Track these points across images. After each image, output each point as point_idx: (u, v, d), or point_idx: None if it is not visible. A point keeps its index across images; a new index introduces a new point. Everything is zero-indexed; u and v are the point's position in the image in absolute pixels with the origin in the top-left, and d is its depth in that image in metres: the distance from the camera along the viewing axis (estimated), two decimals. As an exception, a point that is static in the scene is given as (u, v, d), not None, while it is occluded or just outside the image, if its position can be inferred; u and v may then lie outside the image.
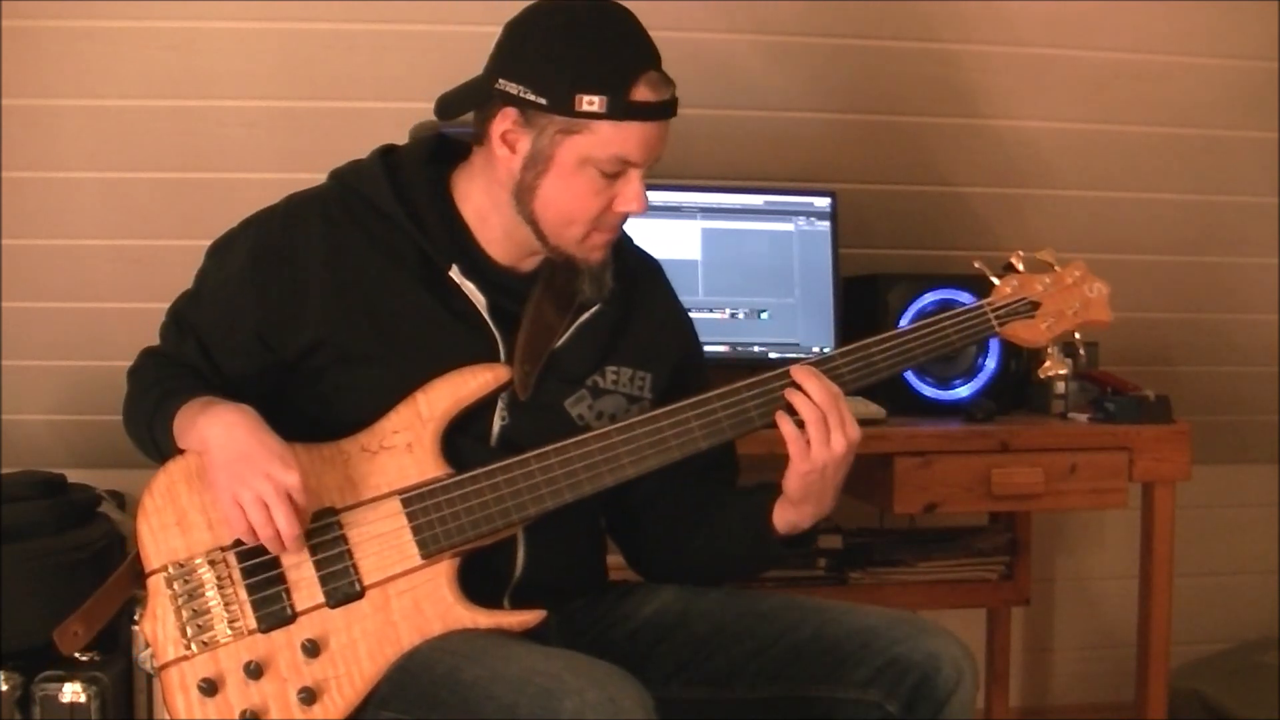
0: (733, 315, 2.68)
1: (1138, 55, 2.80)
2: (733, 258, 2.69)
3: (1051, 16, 2.73)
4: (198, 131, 2.62)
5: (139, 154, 2.63)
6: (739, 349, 2.66)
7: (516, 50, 1.64)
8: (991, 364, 2.65)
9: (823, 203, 2.73)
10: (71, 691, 2.42)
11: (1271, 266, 3.06)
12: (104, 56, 2.54)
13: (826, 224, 2.73)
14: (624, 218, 1.70)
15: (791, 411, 1.66)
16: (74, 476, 2.70)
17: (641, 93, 1.61)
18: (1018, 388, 2.74)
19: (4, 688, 2.41)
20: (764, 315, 2.69)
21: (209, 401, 1.63)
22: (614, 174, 1.64)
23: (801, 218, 2.72)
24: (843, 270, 2.73)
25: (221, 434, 1.59)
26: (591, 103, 1.59)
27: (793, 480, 1.67)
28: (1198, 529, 3.20)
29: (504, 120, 1.63)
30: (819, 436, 1.65)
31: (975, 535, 2.88)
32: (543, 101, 1.60)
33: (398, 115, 2.40)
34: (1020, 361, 2.71)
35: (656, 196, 2.64)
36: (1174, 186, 2.96)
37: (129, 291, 2.69)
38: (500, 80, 1.63)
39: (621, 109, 1.59)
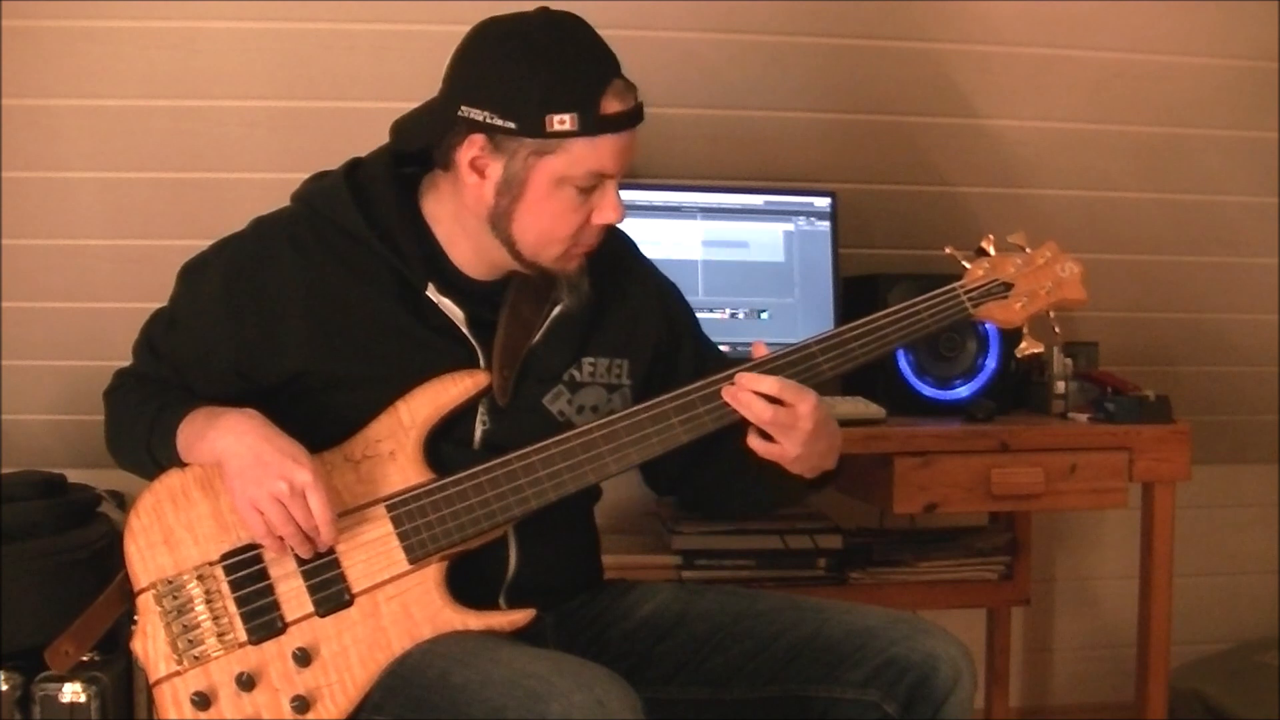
0: (733, 315, 2.68)
1: (1138, 55, 2.79)
2: (733, 258, 2.70)
3: (1051, 16, 2.72)
4: (198, 131, 2.62)
5: (139, 154, 2.62)
6: (739, 349, 2.66)
7: (477, 75, 1.62)
8: (991, 364, 2.65)
9: (823, 203, 2.73)
10: (71, 691, 2.42)
11: (1271, 266, 3.06)
12: (104, 56, 2.54)
13: (826, 224, 2.73)
14: (603, 230, 1.70)
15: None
16: (74, 476, 2.70)
17: (610, 105, 1.59)
18: (1018, 388, 2.74)
19: (4, 688, 2.41)
20: (764, 315, 2.69)
21: (214, 412, 1.63)
22: (590, 188, 1.63)
23: (801, 218, 2.72)
24: (843, 270, 2.73)
25: (233, 443, 1.59)
26: (563, 122, 1.57)
27: (789, 467, 1.67)
28: (1198, 529, 3.20)
29: (471, 147, 1.62)
30: (780, 435, 1.64)
31: (975, 535, 2.88)
32: (512, 125, 1.58)
33: (398, 115, 2.40)
34: (1020, 362, 2.70)
35: (657, 196, 2.66)
36: (1174, 186, 2.95)
37: (129, 291, 2.68)
38: (463, 107, 1.60)
39: (594, 124, 1.58)
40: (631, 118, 1.63)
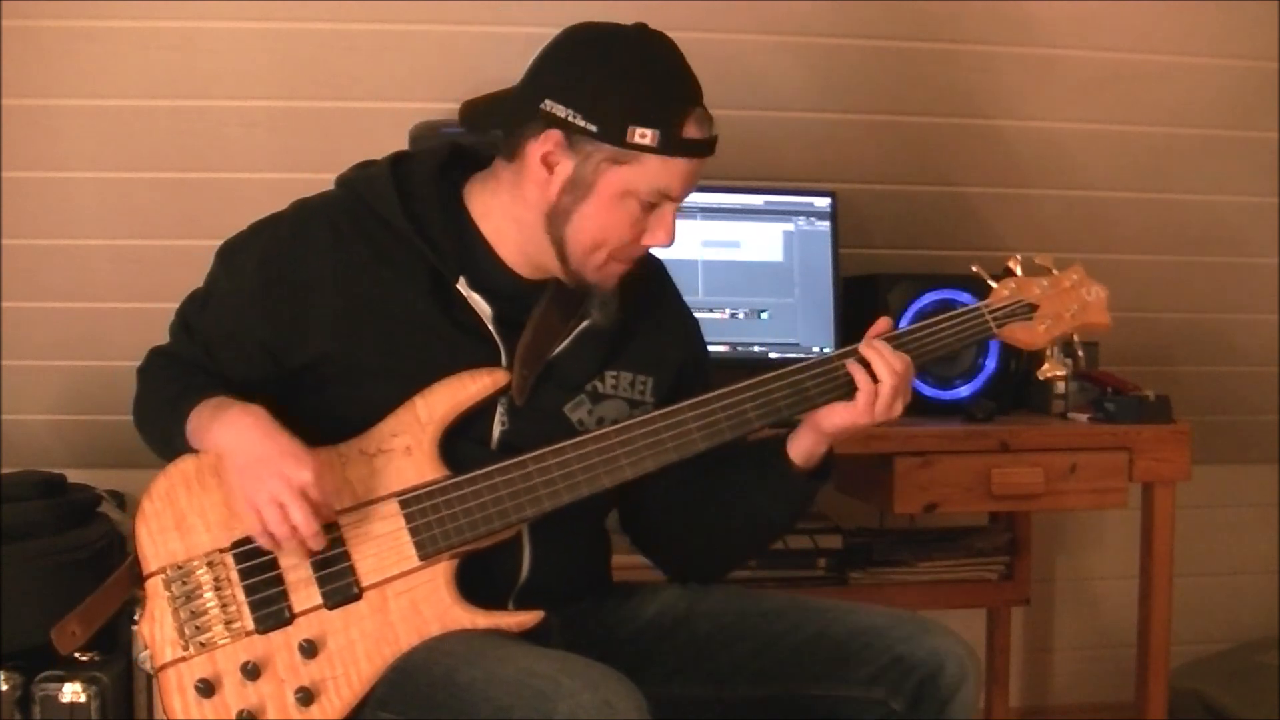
0: (733, 315, 2.68)
1: (1138, 55, 2.80)
2: (733, 258, 2.69)
3: (1052, 16, 2.73)
4: (198, 131, 2.62)
5: (139, 154, 2.62)
6: (739, 349, 2.66)
7: (566, 73, 1.63)
8: (991, 364, 2.65)
9: (823, 203, 2.73)
10: (71, 691, 2.43)
11: (1271, 266, 3.06)
12: (104, 56, 2.54)
13: (826, 224, 2.73)
14: (646, 250, 1.71)
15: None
16: (74, 476, 2.70)
17: (690, 130, 1.61)
18: (1018, 388, 2.74)
19: (4, 688, 2.41)
20: (764, 315, 2.69)
21: (220, 405, 1.63)
22: (650, 206, 1.64)
23: (801, 218, 2.72)
24: (843, 270, 2.73)
25: (234, 438, 1.59)
26: (644, 136, 1.58)
27: (840, 422, 1.69)
28: (1198, 529, 3.20)
29: (546, 142, 1.62)
30: (888, 398, 1.67)
31: (975, 535, 2.88)
32: (593, 129, 1.59)
33: (398, 115, 2.40)
34: (1020, 361, 2.71)
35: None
36: (1174, 186, 2.96)
37: (129, 291, 2.69)
38: (547, 101, 1.61)
39: (672, 145, 1.60)
40: (707, 147, 1.64)
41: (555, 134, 1.62)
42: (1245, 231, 3.03)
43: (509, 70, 1.71)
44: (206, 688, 1.58)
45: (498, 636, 1.61)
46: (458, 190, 1.75)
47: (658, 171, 1.61)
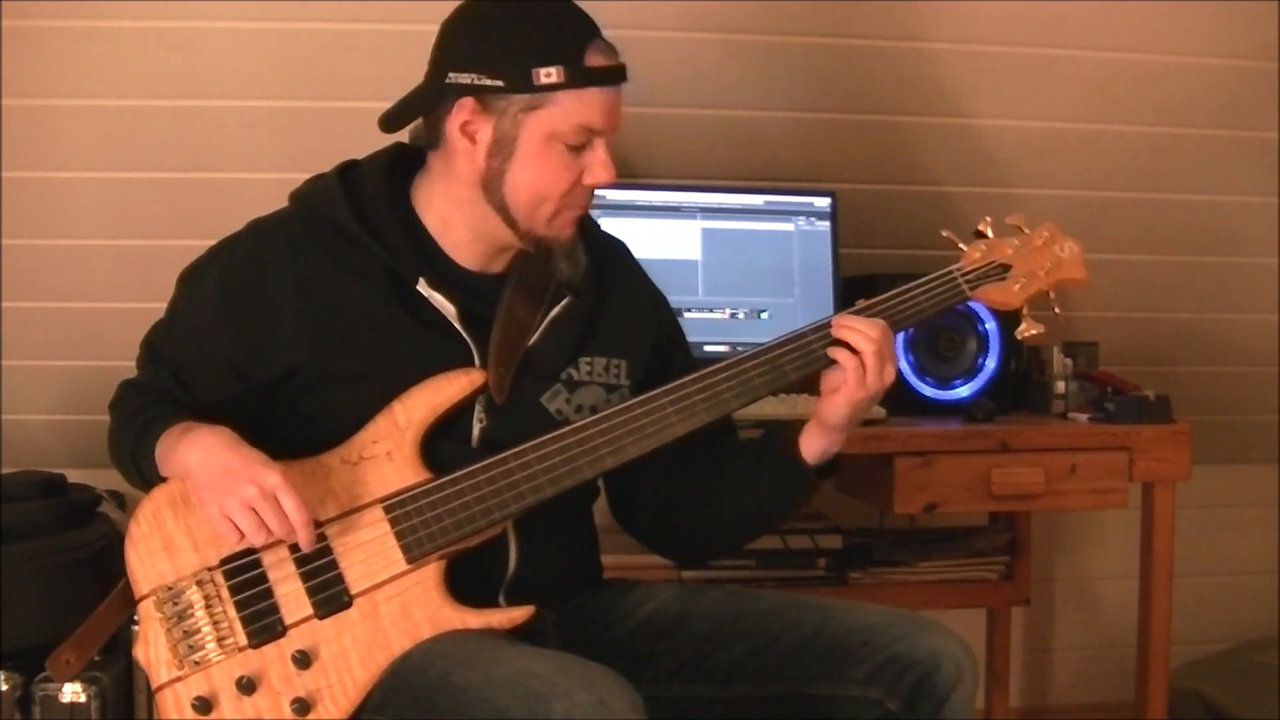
0: (733, 315, 2.68)
1: (1138, 55, 2.79)
2: (733, 258, 2.69)
3: (1051, 16, 2.72)
4: (198, 131, 2.62)
5: (139, 154, 2.62)
6: (739, 349, 2.65)
7: (461, 41, 1.65)
8: (992, 364, 2.65)
9: (823, 203, 2.73)
10: (71, 691, 2.43)
11: (1271, 266, 3.06)
12: (104, 56, 2.54)
13: (826, 224, 2.73)
14: (592, 191, 1.71)
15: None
16: (74, 476, 2.70)
17: (594, 59, 1.63)
18: (1018, 388, 2.74)
19: (4, 688, 2.42)
20: (764, 315, 2.69)
21: (186, 427, 1.64)
22: (580, 146, 1.64)
23: (801, 218, 2.72)
24: (843, 270, 2.73)
25: (200, 456, 1.59)
26: (550, 75, 1.60)
27: (842, 408, 1.68)
28: (1198, 529, 3.21)
29: (461, 112, 1.64)
30: (875, 366, 1.66)
31: (975, 535, 2.88)
32: (500, 83, 1.61)
33: (396, 116, 2.40)
34: (1020, 361, 2.71)
35: (657, 196, 2.66)
36: (1174, 186, 2.95)
37: (129, 291, 2.69)
38: (451, 74, 1.63)
39: (580, 76, 1.61)
40: (616, 74, 1.65)
41: (468, 101, 1.63)
42: (1245, 231, 3.02)
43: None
44: (203, 705, 1.59)
45: (493, 637, 1.61)
46: (406, 191, 1.75)
47: (574, 107, 1.62)
